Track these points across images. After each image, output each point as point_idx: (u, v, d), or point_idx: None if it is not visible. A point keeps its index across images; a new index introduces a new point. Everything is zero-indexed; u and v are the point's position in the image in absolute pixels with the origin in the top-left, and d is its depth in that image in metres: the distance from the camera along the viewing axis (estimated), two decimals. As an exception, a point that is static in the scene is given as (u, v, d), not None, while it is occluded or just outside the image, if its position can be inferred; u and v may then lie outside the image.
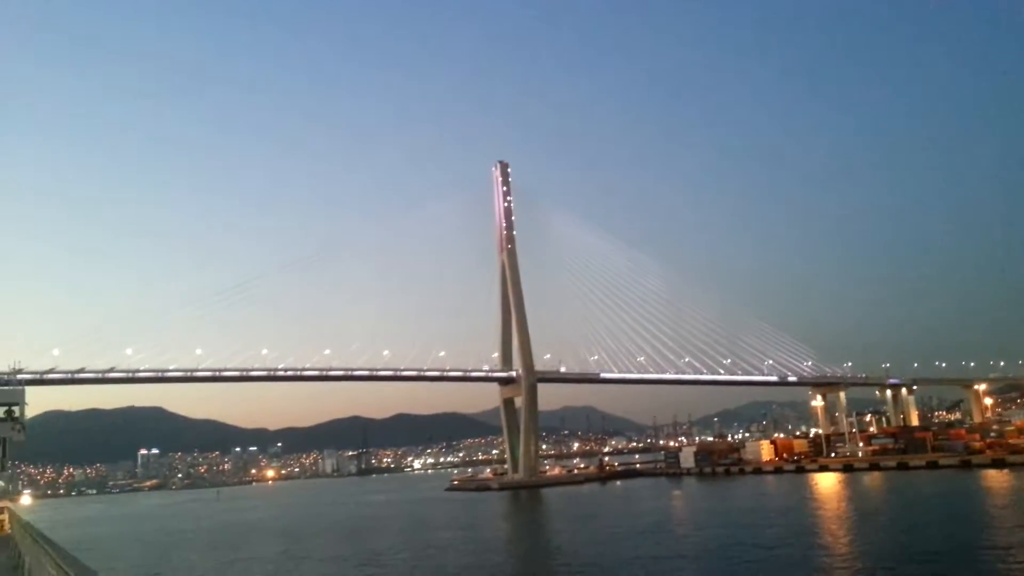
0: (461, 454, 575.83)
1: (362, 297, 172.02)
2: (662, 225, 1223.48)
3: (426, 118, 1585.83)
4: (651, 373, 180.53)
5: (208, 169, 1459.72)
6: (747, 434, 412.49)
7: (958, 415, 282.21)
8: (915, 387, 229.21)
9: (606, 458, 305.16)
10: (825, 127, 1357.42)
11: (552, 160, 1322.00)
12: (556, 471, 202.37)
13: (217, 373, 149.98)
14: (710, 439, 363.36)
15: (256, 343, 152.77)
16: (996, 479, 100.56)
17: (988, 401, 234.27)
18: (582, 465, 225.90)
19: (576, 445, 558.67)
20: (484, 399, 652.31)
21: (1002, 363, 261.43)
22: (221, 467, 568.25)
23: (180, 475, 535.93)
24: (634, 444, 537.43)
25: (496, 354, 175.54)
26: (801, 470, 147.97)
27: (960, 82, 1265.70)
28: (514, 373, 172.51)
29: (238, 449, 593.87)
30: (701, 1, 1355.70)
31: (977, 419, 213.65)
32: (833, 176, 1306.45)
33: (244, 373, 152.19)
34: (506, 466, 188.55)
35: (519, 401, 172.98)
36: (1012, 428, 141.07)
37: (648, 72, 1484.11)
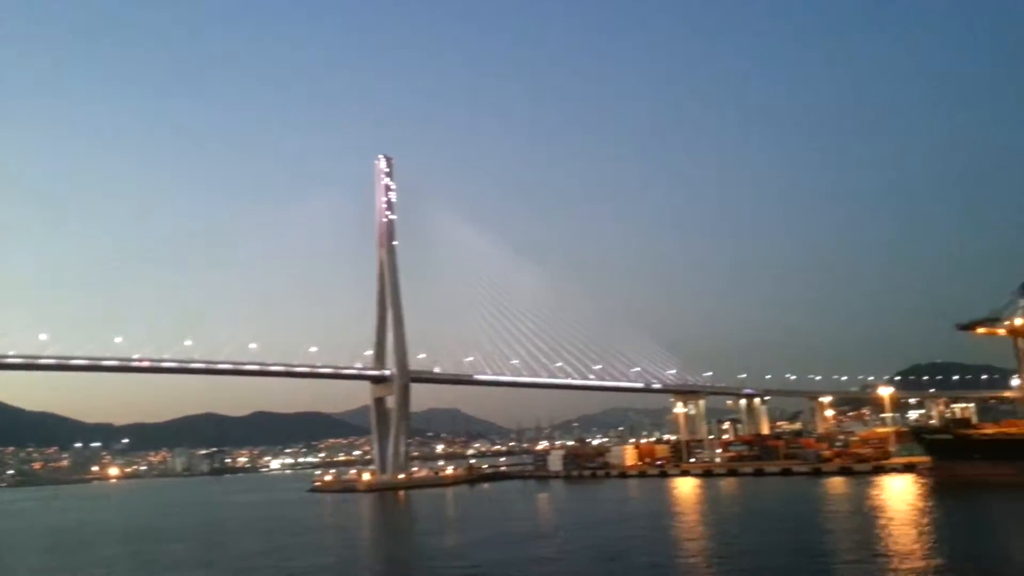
0: (322, 454, 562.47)
1: (229, 288, 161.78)
2: (551, 232, 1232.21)
3: (311, 107, 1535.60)
4: (525, 376, 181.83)
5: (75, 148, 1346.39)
6: (606, 439, 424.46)
7: (799, 424, 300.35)
8: (767, 397, 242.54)
9: (472, 460, 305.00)
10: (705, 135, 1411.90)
11: (441, 159, 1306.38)
12: (424, 473, 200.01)
13: (64, 361, 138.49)
14: (571, 443, 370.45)
15: (110, 330, 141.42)
16: (842, 485, 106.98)
17: (829, 412, 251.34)
18: (450, 467, 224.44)
19: (441, 447, 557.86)
20: (348, 399, 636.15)
21: (844, 377, 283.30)
22: (58, 463, 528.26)
23: (11, 472, 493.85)
24: (498, 447, 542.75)
25: (369, 352, 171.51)
26: (664, 475, 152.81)
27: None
28: (387, 372, 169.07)
29: (79, 445, 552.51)
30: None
31: (820, 429, 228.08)
32: (708, 190, 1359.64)
33: (94, 363, 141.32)
34: (373, 467, 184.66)
35: (391, 400, 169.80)
36: (856, 438, 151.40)
37: (543, 71, 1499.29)
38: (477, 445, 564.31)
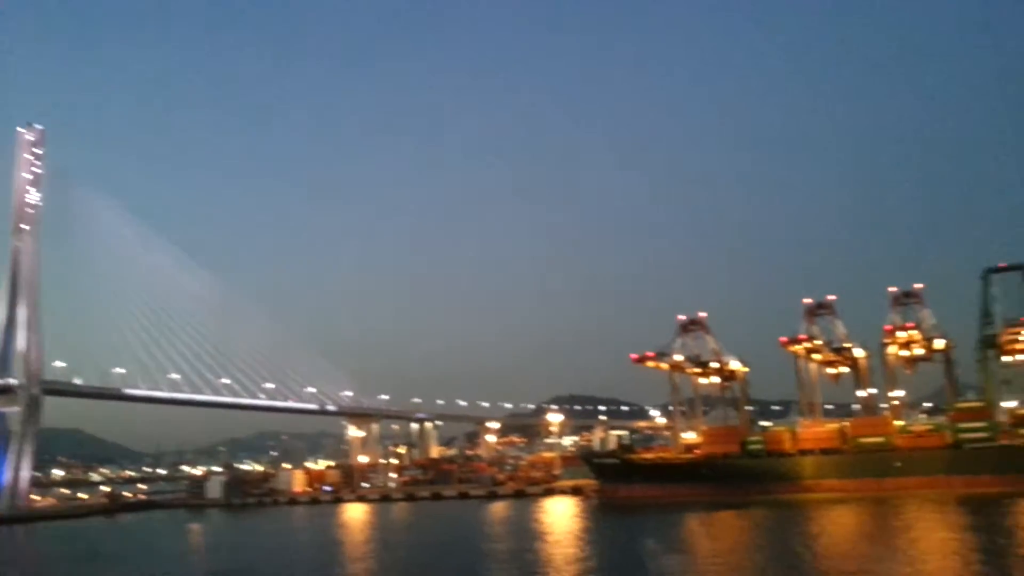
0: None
1: None
2: (227, 238, 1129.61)
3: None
4: (186, 392, 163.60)
5: None
6: (257, 465, 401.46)
7: (454, 450, 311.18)
8: (438, 422, 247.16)
9: (106, 487, 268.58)
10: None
11: (110, 143, 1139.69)
12: (50, 502, 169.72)
13: None
14: (218, 468, 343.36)
15: None
16: (515, 507, 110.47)
17: (492, 438, 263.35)
18: (85, 495, 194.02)
19: (61, 473, 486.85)
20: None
21: (508, 404, 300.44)
22: None
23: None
24: (130, 473, 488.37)
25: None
26: (339, 500, 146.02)
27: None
28: (12, 381, 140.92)
29: None
30: None
31: (483, 453, 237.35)
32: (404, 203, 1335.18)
33: None
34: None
35: (13, 416, 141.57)
36: (525, 463, 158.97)
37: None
38: (105, 470, 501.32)
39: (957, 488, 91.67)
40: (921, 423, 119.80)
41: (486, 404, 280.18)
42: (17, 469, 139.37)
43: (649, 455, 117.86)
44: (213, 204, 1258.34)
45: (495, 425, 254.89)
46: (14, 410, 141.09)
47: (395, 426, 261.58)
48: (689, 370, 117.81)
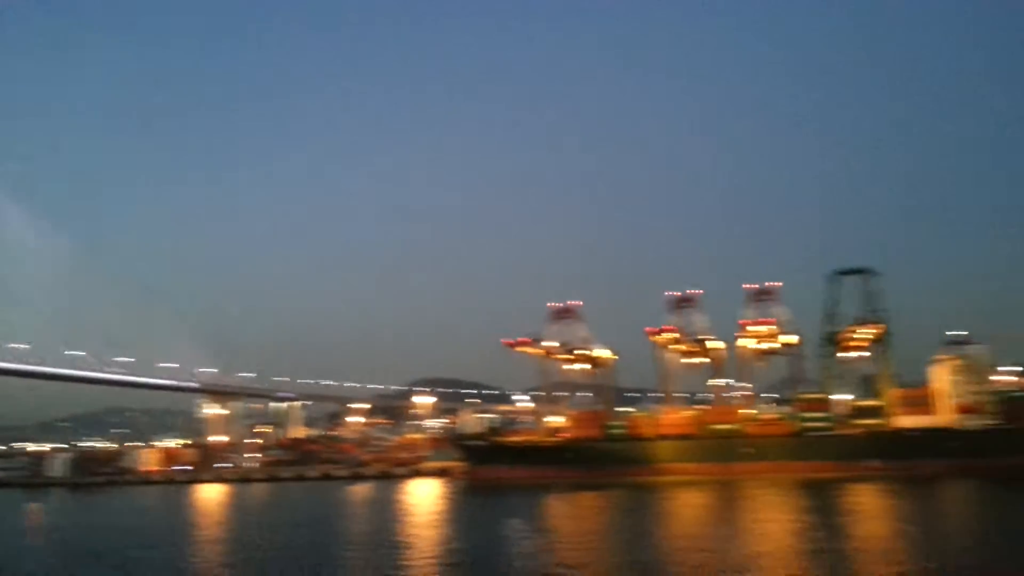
0: None
1: None
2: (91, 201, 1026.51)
3: None
4: (31, 364, 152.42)
5: None
6: (104, 442, 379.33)
7: (320, 431, 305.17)
8: (307, 402, 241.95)
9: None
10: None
11: None
12: None
13: None
14: (62, 446, 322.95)
15: None
16: (380, 489, 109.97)
17: (358, 419, 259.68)
18: None
19: None
20: None
21: (373, 386, 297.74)
22: None
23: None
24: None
25: None
26: (196, 480, 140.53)
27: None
28: None
29: None
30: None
31: (348, 434, 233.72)
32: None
33: None
34: None
35: None
36: (392, 444, 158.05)
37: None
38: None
39: (799, 473, 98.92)
40: (768, 412, 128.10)
41: (352, 385, 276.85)
42: None
43: (517, 438, 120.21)
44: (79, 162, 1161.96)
45: (363, 406, 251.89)
46: None
47: (258, 405, 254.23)
48: (559, 356, 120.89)
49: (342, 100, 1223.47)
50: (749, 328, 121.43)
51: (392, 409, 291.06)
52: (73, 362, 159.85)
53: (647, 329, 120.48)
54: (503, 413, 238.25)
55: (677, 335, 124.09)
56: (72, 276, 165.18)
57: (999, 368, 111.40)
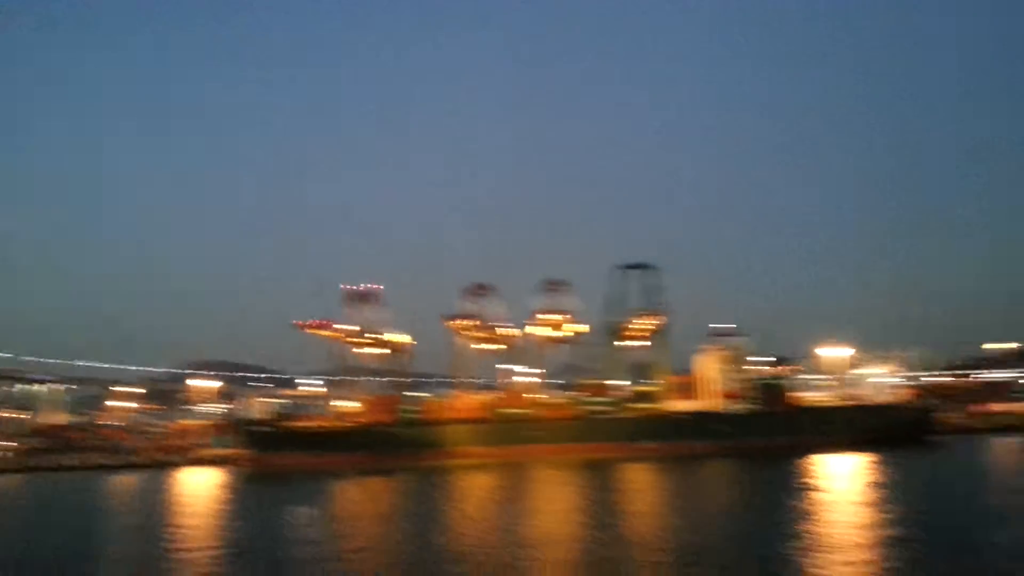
0: None
1: None
2: None
3: None
4: None
5: None
6: None
7: (83, 417, 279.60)
8: (71, 386, 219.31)
9: None
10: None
11: None
12: None
13: None
14: None
15: None
16: (153, 479, 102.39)
17: (124, 403, 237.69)
18: None
19: None
20: None
21: (136, 368, 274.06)
22: None
23: None
24: None
25: None
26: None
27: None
28: None
29: None
30: None
31: (113, 420, 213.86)
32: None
33: None
34: None
35: None
36: (167, 431, 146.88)
37: None
38: None
39: (582, 454, 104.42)
40: (555, 397, 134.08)
41: (116, 367, 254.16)
42: None
43: (306, 424, 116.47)
44: None
45: (132, 390, 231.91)
46: None
47: (4, 387, 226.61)
48: (353, 340, 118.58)
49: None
50: (540, 317, 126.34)
51: (163, 393, 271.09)
52: None
53: (443, 316, 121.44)
54: (291, 398, 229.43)
55: (473, 322, 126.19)
56: None
57: (757, 358, 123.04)
